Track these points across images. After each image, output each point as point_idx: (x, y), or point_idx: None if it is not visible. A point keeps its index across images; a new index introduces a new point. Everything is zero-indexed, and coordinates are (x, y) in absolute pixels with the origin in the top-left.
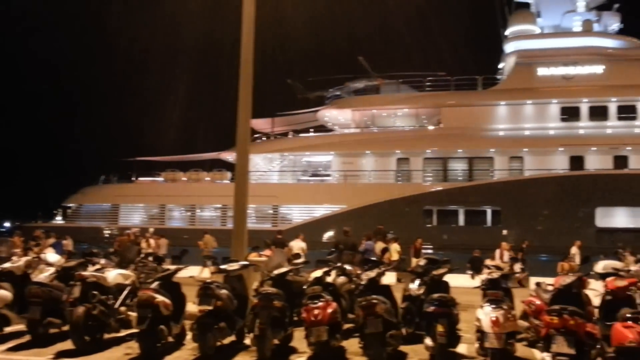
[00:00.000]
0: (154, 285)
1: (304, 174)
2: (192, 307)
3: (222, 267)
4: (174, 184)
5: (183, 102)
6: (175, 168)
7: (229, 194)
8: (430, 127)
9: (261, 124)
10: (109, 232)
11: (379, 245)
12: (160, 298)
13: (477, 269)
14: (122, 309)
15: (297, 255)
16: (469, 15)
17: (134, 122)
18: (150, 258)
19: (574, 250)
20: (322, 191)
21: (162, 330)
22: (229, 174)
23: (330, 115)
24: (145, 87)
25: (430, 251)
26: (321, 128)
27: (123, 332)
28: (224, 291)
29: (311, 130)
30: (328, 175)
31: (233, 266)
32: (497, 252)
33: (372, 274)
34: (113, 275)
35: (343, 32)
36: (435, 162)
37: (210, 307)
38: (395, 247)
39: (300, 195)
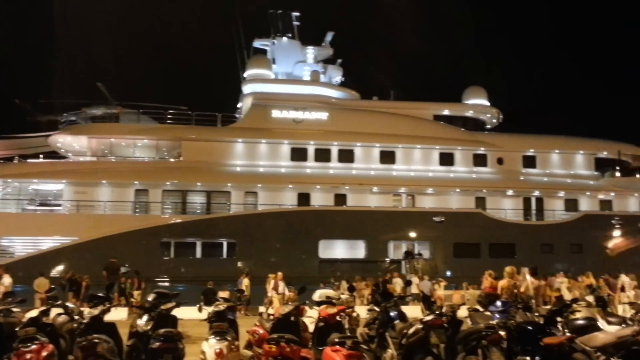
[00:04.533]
0: None
1: (30, 202)
2: None
3: None
4: None
5: None
6: None
7: None
8: (171, 160)
9: None
10: None
11: (246, 281)
12: None
13: (209, 300)
14: None
15: (11, 294)
16: (212, 53)
17: None
18: None
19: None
20: (51, 222)
21: None
22: None
23: (63, 141)
24: None
25: (167, 284)
26: (53, 154)
27: None
28: None
29: (41, 156)
30: (59, 205)
31: None
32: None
33: (96, 311)
34: None
35: (81, 56)
36: (174, 194)
37: None
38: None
39: (24, 226)
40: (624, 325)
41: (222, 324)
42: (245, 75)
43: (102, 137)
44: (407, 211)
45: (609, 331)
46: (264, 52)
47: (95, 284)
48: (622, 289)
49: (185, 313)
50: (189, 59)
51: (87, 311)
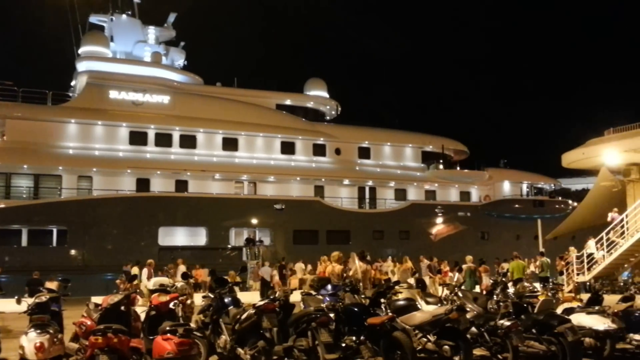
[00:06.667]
0: None
1: None
2: None
3: None
4: None
5: None
6: None
7: None
8: None
9: None
10: None
11: (135, 270)
12: None
13: (34, 292)
14: None
15: None
16: (43, 26)
17: None
18: None
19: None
20: None
21: None
22: None
23: None
24: None
25: None
26: None
27: None
28: None
29: None
30: None
31: None
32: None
33: None
34: None
35: None
36: None
37: None
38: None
39: None
40: (439, 305)
41: (43, 316)
42: (79, 51)
43: None
44: (248, 198)
45: (426, 310)
46: (101, 28)
47: None
48: (440, 272)
49: (5, 306)
50: (17, 31)
51: None
